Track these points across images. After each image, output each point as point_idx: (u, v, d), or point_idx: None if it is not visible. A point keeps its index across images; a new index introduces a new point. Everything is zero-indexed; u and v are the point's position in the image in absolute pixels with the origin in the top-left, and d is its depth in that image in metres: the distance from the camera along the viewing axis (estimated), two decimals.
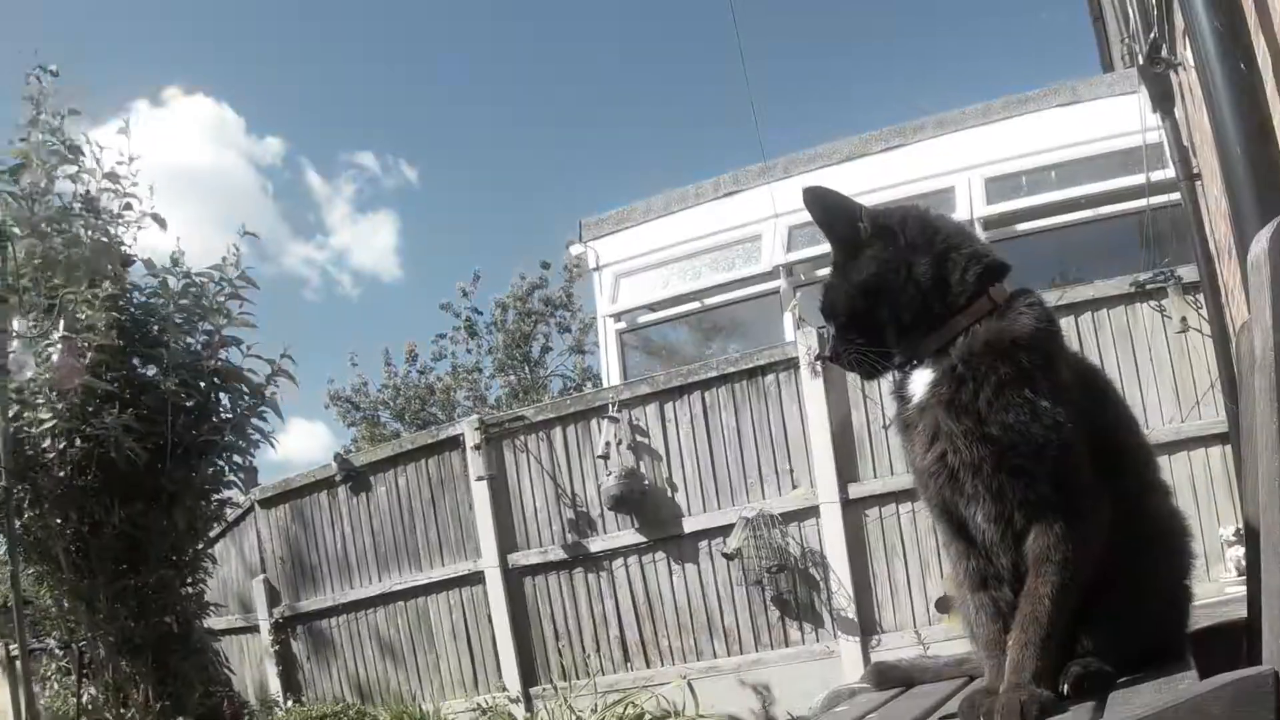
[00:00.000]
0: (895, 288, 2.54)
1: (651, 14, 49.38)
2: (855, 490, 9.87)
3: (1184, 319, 8.94)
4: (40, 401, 8.46)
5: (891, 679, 3.41)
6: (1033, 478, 2.41)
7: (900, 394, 2.64)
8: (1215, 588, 7.97)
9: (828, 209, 2.65)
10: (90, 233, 8.93)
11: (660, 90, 50.68)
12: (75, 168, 8.99)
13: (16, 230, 8.57)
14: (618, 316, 13.28)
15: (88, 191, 9.07)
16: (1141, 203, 9.50)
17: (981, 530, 2.51)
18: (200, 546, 9.74)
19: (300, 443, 45.08)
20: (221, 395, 9.52)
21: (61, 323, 7.91)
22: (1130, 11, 8.03)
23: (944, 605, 9.09)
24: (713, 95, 51.40)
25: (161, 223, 9.42)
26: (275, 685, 12.44)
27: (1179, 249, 9.17)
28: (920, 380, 2.56)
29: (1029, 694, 2.25)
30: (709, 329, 13.88)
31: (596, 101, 50.79)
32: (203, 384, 9.24)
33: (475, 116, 51.23)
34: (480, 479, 11.09)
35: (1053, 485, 2.40)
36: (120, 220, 9.19)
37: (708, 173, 13.72)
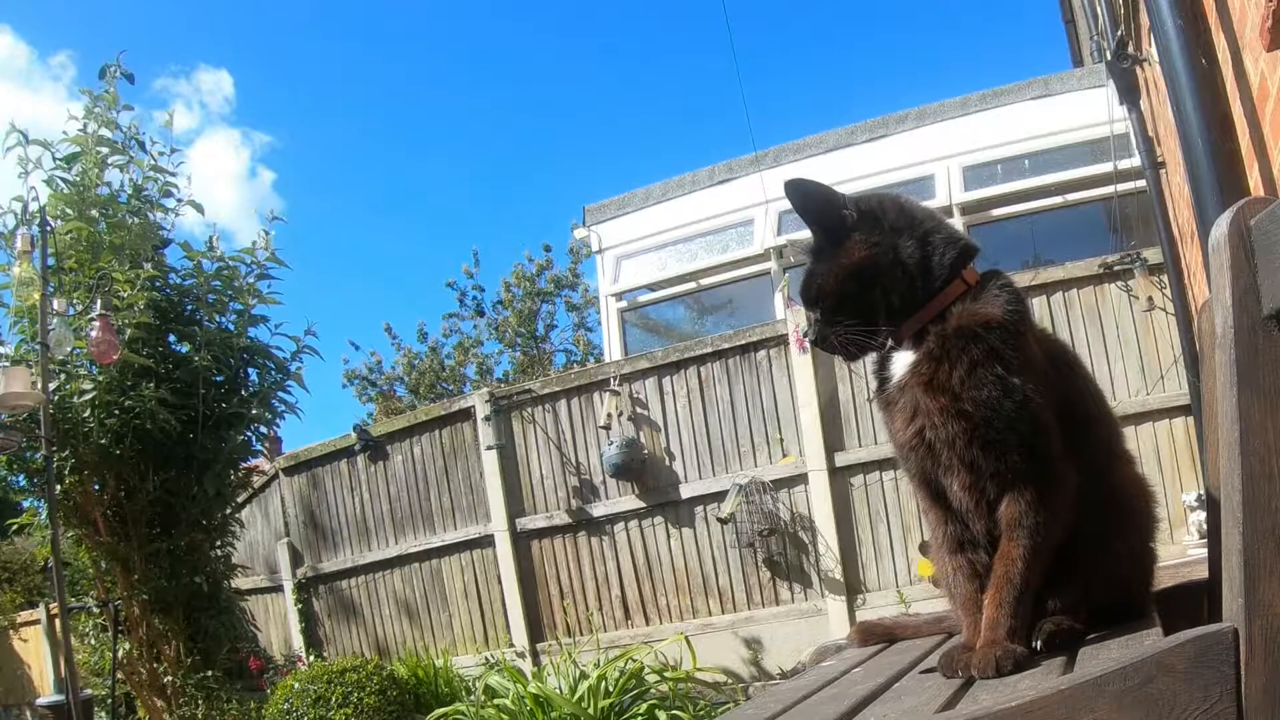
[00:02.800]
0: (885, 270, 2.52)
1: (650, 10, 49.36)
2: (841, 459, 9.89)
3: (1149, 298, 8.96)
4: (82, 374, 8.49)
5: (875, 635, 3.41)
6: (1004, 450, 2.40)
7: (881, 374, 2.63)
8: (1179, 550, 8.00)
9: (809, 198, 2.62)
10: (134, 218, 8.98)
11: (658, 83, 50.68)
12: (126, 158, 9.05)
13: (70, 211, 8.62)
14: (619, 296, 13.29)
15: (134, 180, 9.14)
16: (1109, 189, 9.49)
17: (958, 498, 2.51)
18: (228, 511, 9.77)
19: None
20: (250, 370, 9.56)
21: (99, 301, 7.91)
22: (1099, 10, 8.01)
23: (925, 549, 9.12)
24: (707, 88, 51.45)
25: (199, 209, 9.50)
26: (298, 641, 12.49)
27: (1144, 233, 9.17)
28: (900, 361, 2.54)
29: (1004, 649, 2.26)
30: (704, 307, 13.90)
31: (597, 92, 50.81)
32: (233, 360, 9.27)
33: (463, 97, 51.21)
34: (490, 448, 11.12)
35: (1023, 456, 2.40)
36: (161, 207, 9.25)
37: (703, 161, 13.74)
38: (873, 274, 2.54)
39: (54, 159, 8.80)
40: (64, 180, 8.79)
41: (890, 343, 2.58)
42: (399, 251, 53.16)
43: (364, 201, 54.05)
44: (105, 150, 8.96)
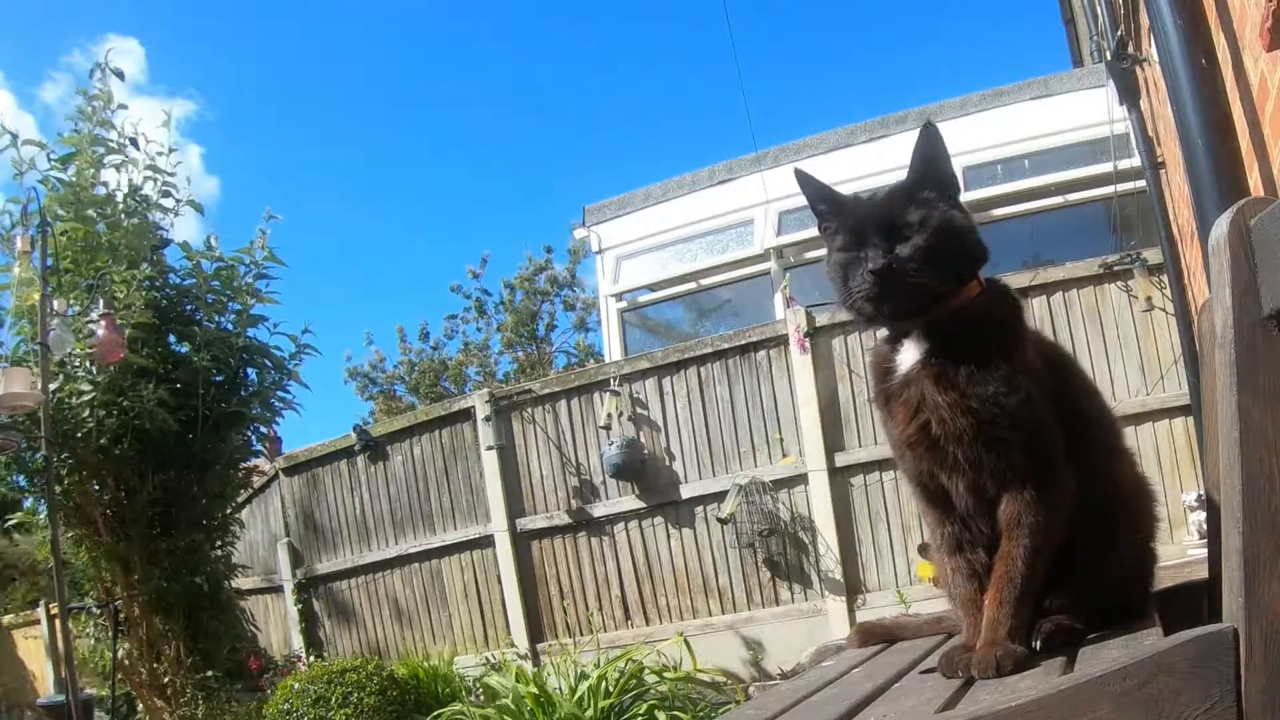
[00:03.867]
0: (959, 249, 2.50)
1: (651, 9, 49.39)
2: (841, 459, 9.89)
3: (1149, 298, 8.97)
4: (80, 375, 8.49)
5: (875, 637, 3.41)
6: (1007, 448, 2.41)
7: (885, 365, 2.61)
8: (1178, 550, 8.01)
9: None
10: (131, 218, 8.98)
11: (658, 83, 50.68)
12: (121, 158, 9.05)
13: (61, 212, 8.62)
14: (619, 296, 13.29)
15: (131, 180, 9.15)
16: (1109, 189, 9.50)
17: (959, 497, 2.51)
18: (228, 511, 9.78)
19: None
20: (249, 370, 9.56)
21: (100, 301, 7.92)
22: (1099, 10, 8.02)
23: (925, 550, 9.13)
24: (707, 88, 51.44)
25: (198, 208, 9.49)
26: (298, 641, 12.48)
27: (1144, 233, 9.18)
28: (908, 353, 2.54)
29: (1004, 649, 2.26)
30: (704, 308, 13.88)
31: (597, 92, 50.82)
32: (232, 360, 9.27)
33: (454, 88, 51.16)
34: (490, 448, 11.12)
35: (1025, 455, 2.41)
36: (159, 207, 9.25)
37: (703, 161, 13.74)
38: (955, 239, 2.48)
39: (49, 159, 8.80)
40: (59, 180, 8.79)
41: (902, 334, 2.57)
42: (379, 240, 52.88)
43: (317, 187, 53.61)
44: (101, 150, 8.96)
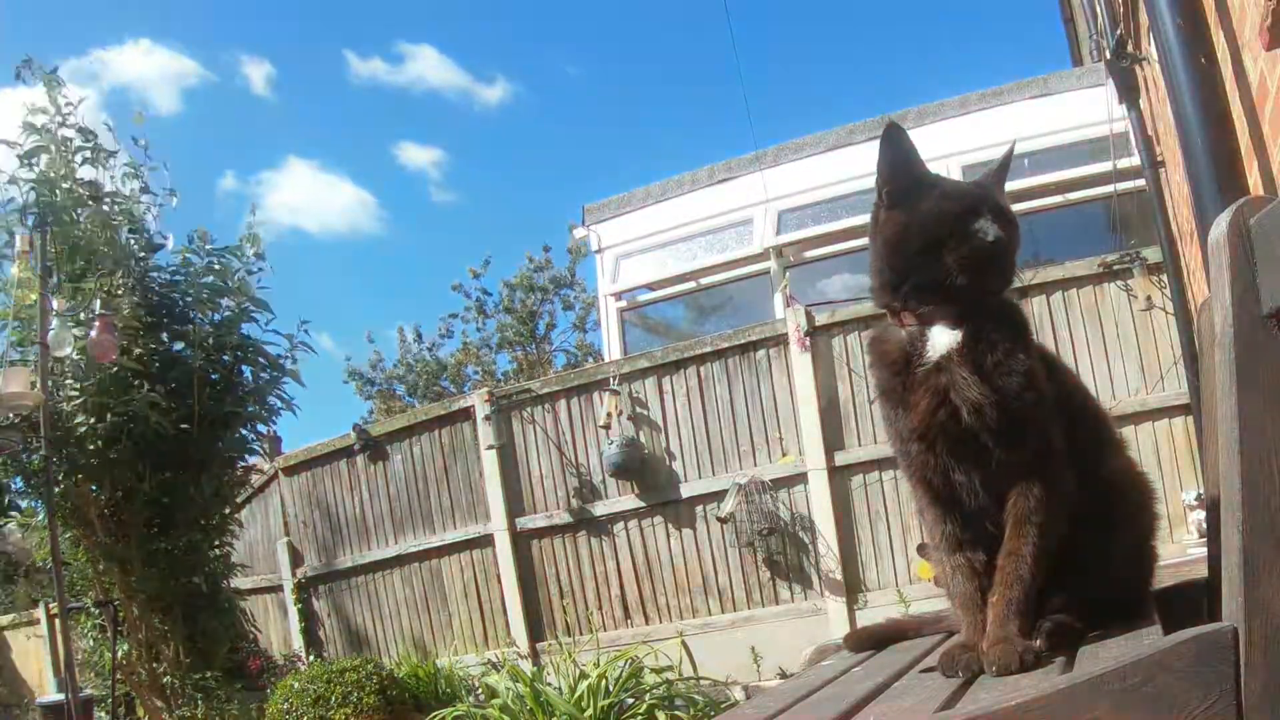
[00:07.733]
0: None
1: (651, 9, 49.39)
2: (841, 458, 9.90)
3: (1149, 298, 8.97)
4: (69, 379, 8.46)
5: (871, 639, 3.41)
6: (1024, 443, 2.41)
7: (904, 353, 2.56)
8: (1178, 549, 7.99)
9: (909, 149, 2.70)
10: (115, 219, 8.93)
11: (658, 82, 50.68)
12: (90, 151, 8.97)
13: (50, 210, 8.57)
14: (618, 295, 13.28)
15: (113, 177, 9.10)
16: (1109, 188, 9.49)
17: (970, 494, 2.49)
18: (227, 511, 9.77)
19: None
20: (244, 368, 9.54)
21: (97, 302, 7.91)
22: (1098, 9, 8.02)
23: (924, 550, 9.13)
24: (707, 88, 51.42)
25: (174, 195, 9.43)
26: (298, 641, 12.48)
27: (1144, 232, 9.18)
28: (939, 340, 2.50)
29: (1022, 645, 2.26)
30: (704, 307, 13.87)
31: (598, 91, 50.81)
32: (226, 358, 9.25)
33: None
34: (490, 448, 11.12)
35: (1037, 452, 2.41)
36: (138, 201, 9.20)
37: (703, 160, 13.71)
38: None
39: (18, 158, 8.71)
40: (32, 181, 8.67)
41: (929, 323, 2.56)
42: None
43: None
44: (72, 137, 8.85)
